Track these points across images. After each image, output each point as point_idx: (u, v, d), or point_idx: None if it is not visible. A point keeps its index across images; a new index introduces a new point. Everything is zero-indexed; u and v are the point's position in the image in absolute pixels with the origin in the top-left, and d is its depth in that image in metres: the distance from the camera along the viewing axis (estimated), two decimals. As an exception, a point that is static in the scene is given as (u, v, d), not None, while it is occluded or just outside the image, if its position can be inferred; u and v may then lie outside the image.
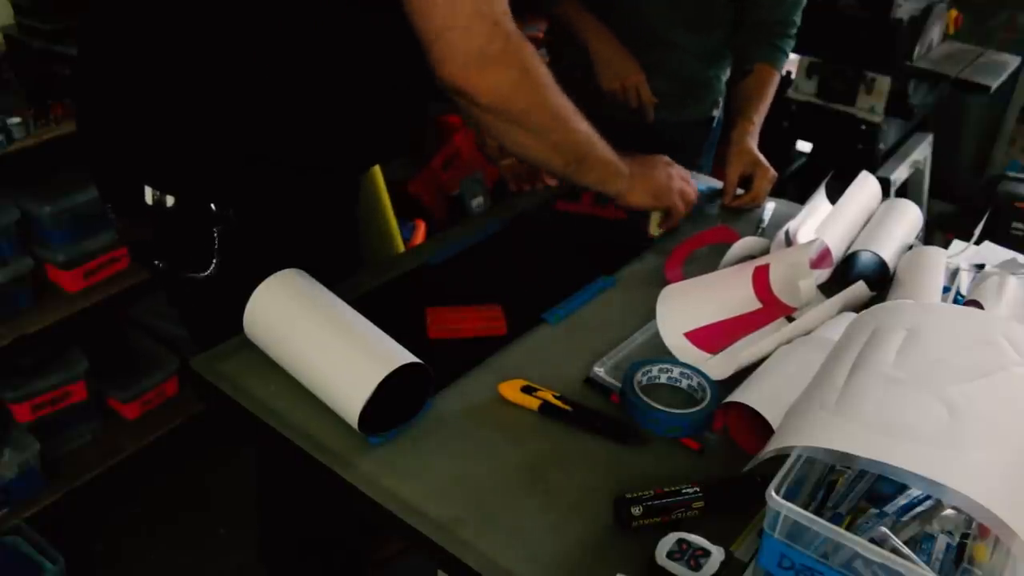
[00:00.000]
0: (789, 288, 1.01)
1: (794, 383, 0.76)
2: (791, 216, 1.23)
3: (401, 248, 1.73)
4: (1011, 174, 2.70)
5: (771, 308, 1.02)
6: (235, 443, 1.90)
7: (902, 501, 0.69)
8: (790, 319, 1.03)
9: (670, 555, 0.73)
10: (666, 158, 1.26)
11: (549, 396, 0.92)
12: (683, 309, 1.05)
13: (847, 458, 0.62)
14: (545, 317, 1.08)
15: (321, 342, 0.89)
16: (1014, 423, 0.64)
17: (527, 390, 0.92)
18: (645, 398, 0.90)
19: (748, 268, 1.05)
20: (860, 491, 0.70)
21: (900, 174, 2.48)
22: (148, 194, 1.00)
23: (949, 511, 0.68)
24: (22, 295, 1.67)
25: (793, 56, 1.63)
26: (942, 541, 0.68)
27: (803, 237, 1.17)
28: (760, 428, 0.81)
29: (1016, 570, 0.63)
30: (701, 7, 1.53)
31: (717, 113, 1.71)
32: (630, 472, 0.84)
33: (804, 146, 2.67)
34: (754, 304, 1.02)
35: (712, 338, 1.01)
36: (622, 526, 0.77)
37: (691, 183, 1.27)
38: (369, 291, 1.10)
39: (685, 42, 1.55)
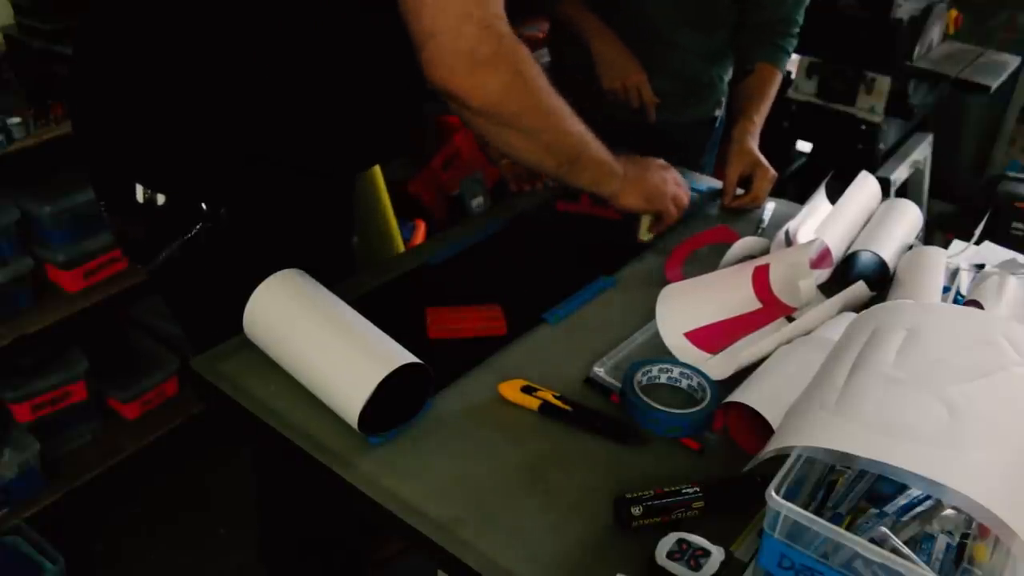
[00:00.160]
0: (789, 288, 1.01)
1: (794, 383, 0.76)
2: (791, 216, 1.23)
3: (401, 248, 1.73)
4: (1011, 174, 2.70)
5: (771, 308, 1.02)
6: (235, 443, 1.90)
7: (902, 501, 0.69)
8: (790, 319, 1.03)
9: (670, 555, 0.73)
10: (661, 161, 1.25)
11: (549, 396, 0.92)
12: (683, 309, 1.05)
13: (847, 458, 0.62)
14: (545, 317, 1.08)
15: (321, 342, 0.89)
16: (1014, 423, 0.64)
17: (527, 390, 0.92)
18: (645, 398, 0.90)
19: (748, 268, 1.05)
20: (860, 491, 0.70)
21: (900, 174, 2.48)
22: (139, 192, 1.00)
23: (949, 511, 0.68)
24: (22, 295, 1.67)
25: (793, 56, 1.63)
26: (942, 541, 0.68)
27: (803, 237, 1.17)
28: (760, 428, 0.81)
29: (1016, 570, 0.63)
30: (705, 7, 1.53)
31: (719, 113, 1.71)
32: (630, 472, 0.84)
33: (804, 146, 2.68)
34: (754, 304, 1.02)
35: (712, 338, 1.01)
36: (622, 526, 0.77)
37: (685, 187, 1.26)
38: (369, 291, 1.11)
39: (688, 42, 1.55)
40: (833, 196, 1.28)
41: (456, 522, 0.78)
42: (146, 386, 1.92)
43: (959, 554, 0.68)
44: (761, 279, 1.02)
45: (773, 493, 0.62)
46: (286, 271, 0.96)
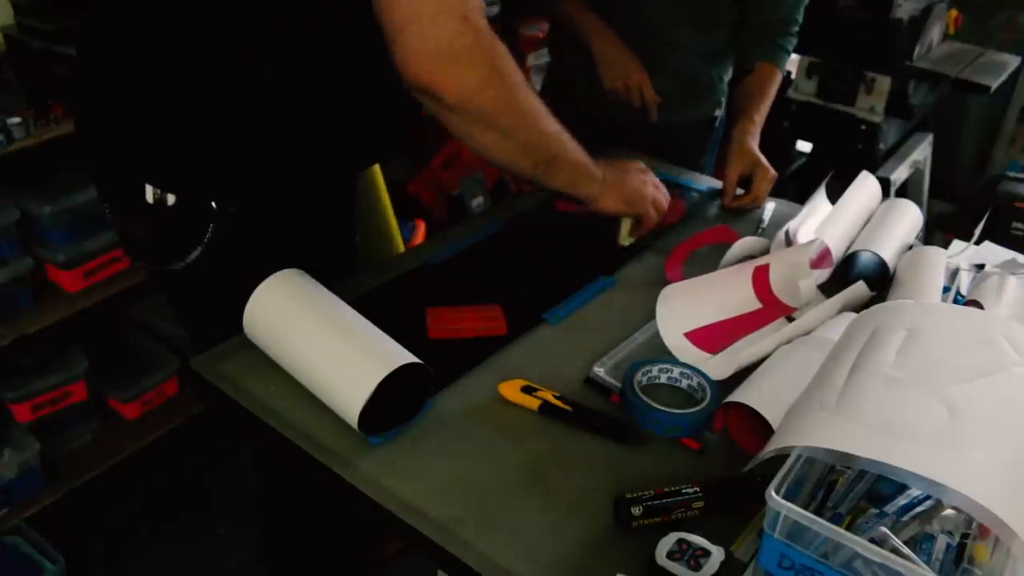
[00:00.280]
0: (789, 288, 1.01)
1: (794, 383, 0.76)
2: (791, 216, 1.23)
3: (401, 248, 1.73)
4: (1011, 174, 2.70)
5: (771, 308, 1.02)
6: (235, 443, 1.90)
7: (902, 501, 0.69)
8: (790, 319, 1.03)
9: (670, 555, 0.73)
10: (640, 164, 1.23)
11: (549, 396, 0.91)
12: (683, 309, 1.05)
13: (847, 458, 0.62)
14: (545, 317, 1.08)
15: (321, 342, 0.89)
16: (1014, 423, 0.64)
17: (527, 390, 0.92)
18: (645, 398, 0.90)
19: (748, 268, 1.05)
20: (860, 491, 0.70)
21: (900, 174, 2.48)
22: (149, 192, 1.00)
23: (949, 511, 0.68)
24: (22, 295, 1.67)
25: (793, 56, 1.63)
26: (942, 541, 0.68)
27: (803, 237, 1.17)
28: (760, 428, 0.81)
29: (1016, 570, 0.63)
30: (705, 6, 1.53)
31: (720, 113, 1.71)
32: (630, 472, 0.84)
33: (804, 146, 2.68)
34: (754, 304, 1.02)
35: (712, 338, 1.01)
36: (622, 526, 0.77)
37: (663, 190, 1.24)
38: (369, 291, 1.11)
39: (689, 42, 1.55)
40: (833, 196, 1.28)
41: (456, 522, 0.78)
42: (146, 386, 1.92)
43: (959, 554, 0.68)
44: (761, 279, 1.03)
45: (773, 493, 0.62)
46: (286, 271, 0.96)
